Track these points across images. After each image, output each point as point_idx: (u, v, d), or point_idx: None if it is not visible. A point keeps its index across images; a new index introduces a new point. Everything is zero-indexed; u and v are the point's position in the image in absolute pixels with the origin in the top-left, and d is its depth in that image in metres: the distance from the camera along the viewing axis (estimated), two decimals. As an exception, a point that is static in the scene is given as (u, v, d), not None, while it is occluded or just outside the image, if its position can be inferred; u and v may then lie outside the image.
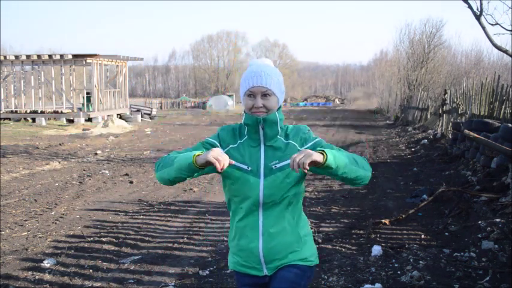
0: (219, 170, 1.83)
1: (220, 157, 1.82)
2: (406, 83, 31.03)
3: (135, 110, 30.39)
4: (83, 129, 20.85)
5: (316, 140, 2.08)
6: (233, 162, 1.89)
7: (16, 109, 26.27)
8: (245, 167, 2.02)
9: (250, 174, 2.01)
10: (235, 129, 2.11)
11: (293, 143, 2.06)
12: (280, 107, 2.09)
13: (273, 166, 2.01)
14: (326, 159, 1.81)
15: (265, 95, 2.00)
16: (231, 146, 2.07)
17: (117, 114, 27.26)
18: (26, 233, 5.76)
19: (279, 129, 2.06)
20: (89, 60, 25.59)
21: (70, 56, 25.69)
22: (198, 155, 1.87)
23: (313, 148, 2.02)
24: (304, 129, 2.11)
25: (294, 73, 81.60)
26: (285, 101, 65.15)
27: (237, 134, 2.09)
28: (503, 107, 10.42)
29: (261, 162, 2.03)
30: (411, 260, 4.64)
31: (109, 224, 6.15)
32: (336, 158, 1.86)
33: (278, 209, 2.05)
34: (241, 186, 2.02)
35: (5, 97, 26.96)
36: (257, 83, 1.99)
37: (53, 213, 6.73)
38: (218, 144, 2.06)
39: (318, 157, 1.79)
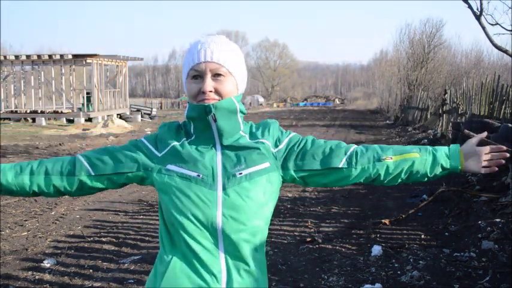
0: None
1: None
2: (406, 83, 31.01)
3: (135, 110, 30.40)
4: (83, 129, 20.85)
5: (291, 135, 1.53)
6: None
7: (16, 109, 26.26)
8: (193, 173, 1.40)
9: (201, 183, 1.39)
10: (180, 126, 1.51)
11: (264, 141, 1.47)
12: (240, 96, 1.48)
13: (237, 173, 1.41)
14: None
15: (217, 74, 1.40)
16: (172, 144, 1.45)
17: (117, 114, 27.25)
18: (26, 233, 5.76)
19: (240, 121, 1.47)
20: (89, 60, 25.59)
21: (70, 56, 25.70)
22: None
23: (288, 148, 1.50)
24: (273, 123, 1.53)
25: (294, 73, 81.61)
26: (285, 100, 64.86)
27: (182, 132, 1.48)
28: (503, 107, 10.43)
29: (217, 167, 1.41)
30: (411, 260, 4.64)
31: (109, 224, 6.15)
32: None
33: (248, 248, 1.41)
34: (188, 203, 1.38)
35: (5, 97, 26.95)
36: (205, 58, 1.39)
37: (53, 213, 6.73)
38: (151, 148, 1.47)
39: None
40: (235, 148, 1.44)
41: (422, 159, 1.52)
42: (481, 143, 1.57)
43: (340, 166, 1.49)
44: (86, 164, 1.47)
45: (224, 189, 1.39)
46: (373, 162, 1.51)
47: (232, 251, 1.40)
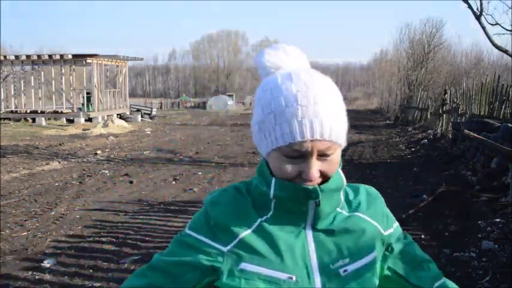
0: None
1: None
2: (406, 83, 31.03)
3: (135, 110, 30.41)
4: (83, 129, 20.86)
5: (396, 225, 1.16)
6: None
7: (16, 109, 26.25)
8: (283, 274, 0.97)
9: None
10: (240, 192, 1.04)
11: (368, 219, 1.07)
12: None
13: (341, 270, 1.00)
14: None
15: (325, 154, 0.95)
16: (242, 235, 0.99)
17: (117, 114, 27.24)
18: (26, 233, 5.76)
19: (342, 196, 1.05)
20: (89, 60, 25.60)
21: (70, 56, 25.69)
22: None
23: (396, 236, 1.15)
24: (378, 195, 1.14)
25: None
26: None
27: (247, 205, 1.02)
28: (503, 107, 10.43)
29: (311, 262, 1.00)
30: (411, 260, 4.64)
31: (109, 224, 6.15)
32: None
33: None
34: None
35: (5, 97, 26.93)
36: (313, 135, 0.92)
37: (53, 213, 6.73)
38: (208, 242, 1.00)
39: None
40: (333, 233, 1.02)
41: None
42: None
43: None
44: None
45: None
46: None
47: None
